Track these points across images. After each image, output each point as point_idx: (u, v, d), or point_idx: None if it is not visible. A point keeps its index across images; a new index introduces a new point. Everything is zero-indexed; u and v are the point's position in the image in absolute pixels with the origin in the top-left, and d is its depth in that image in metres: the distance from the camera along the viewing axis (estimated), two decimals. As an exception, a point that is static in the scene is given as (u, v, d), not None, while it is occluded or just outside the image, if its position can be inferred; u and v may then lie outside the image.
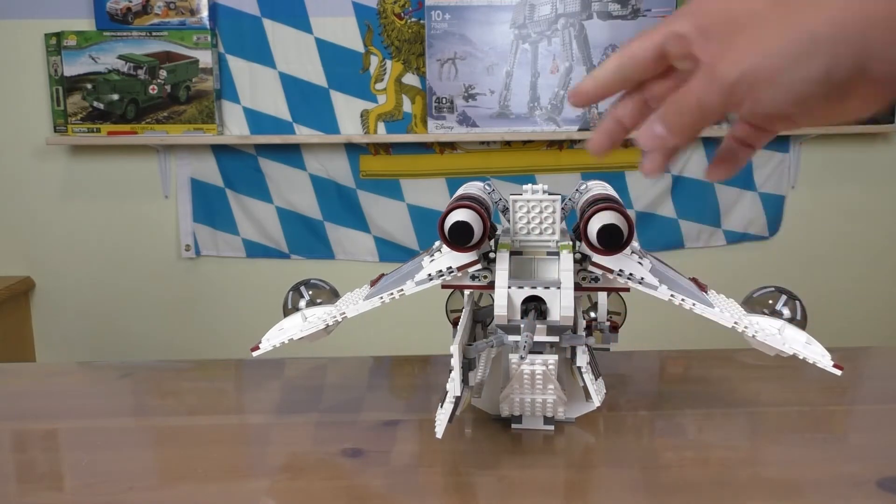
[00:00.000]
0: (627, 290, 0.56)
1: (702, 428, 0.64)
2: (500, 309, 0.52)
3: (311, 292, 0.65)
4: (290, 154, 1.99)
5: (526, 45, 1.90)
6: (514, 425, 0.60)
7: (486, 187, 0.59)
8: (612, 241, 0.50)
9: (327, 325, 0.59)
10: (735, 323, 0.55)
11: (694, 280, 0.62)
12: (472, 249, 0.53)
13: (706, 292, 0.60)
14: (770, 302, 0.61)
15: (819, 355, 0.54)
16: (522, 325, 0.51)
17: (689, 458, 0.56)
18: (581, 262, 0.56)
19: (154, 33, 1.87)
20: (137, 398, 0.72)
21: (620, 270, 0.54)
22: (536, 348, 0.54)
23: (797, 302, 0.61)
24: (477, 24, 1.88)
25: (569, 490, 0.53)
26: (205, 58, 1.88)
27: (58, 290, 2.07)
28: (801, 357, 0.54)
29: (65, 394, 0.72)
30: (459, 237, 0.51)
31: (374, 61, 1.94)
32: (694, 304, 0.55)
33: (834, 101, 0.33)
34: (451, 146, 1.99)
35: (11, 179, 2.00)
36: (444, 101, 1.91)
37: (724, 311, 0.56)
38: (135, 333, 2.08)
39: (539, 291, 0.52)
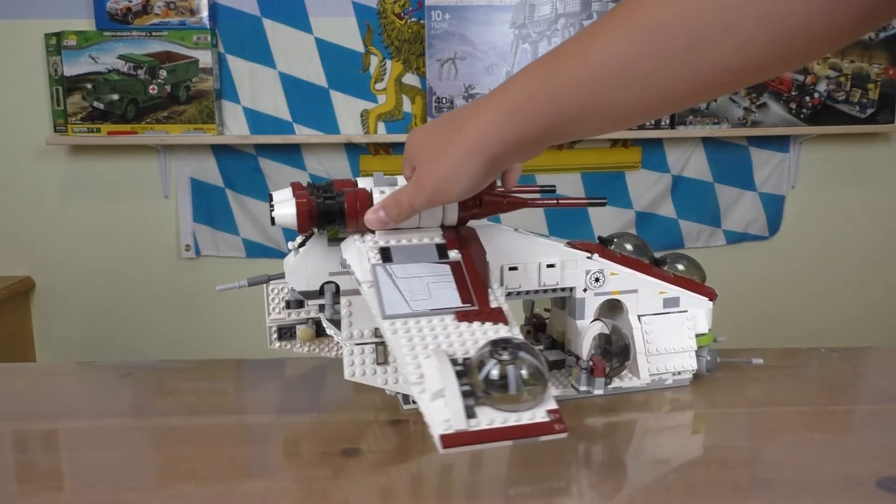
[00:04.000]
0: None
1: (702, 428, 0.64)
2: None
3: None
4: (290, 154, 1.98)
5: (526, 45, 1.90)
6: (405, 406, 0.64)
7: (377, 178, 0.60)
8: None
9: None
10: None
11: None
12: (303, 232, 0.59)
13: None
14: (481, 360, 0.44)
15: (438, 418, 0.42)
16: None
17: (689, 458, 0.56)
18: None
19: (154, 33, 1.87)
20: (137, 398, 0.72)
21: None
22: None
23: (505, 367, 0.43)
24: (477, 24, 1.88)
25: (570, 491, 0.53)
26: (205, 58, 1.88)
27: (58, 290, 2.07)
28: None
29: (65, 394, 0.72)
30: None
31: (374, 61, 1.94)
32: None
33: (490, 178, 0.52)
34: (451, 146, 1.99)
35: (11, 179, 2.00)
36: (444, 101, 1.91)
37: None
38: (135, 333, 2.08)
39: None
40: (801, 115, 1.94)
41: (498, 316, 0.50)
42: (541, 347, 0.74)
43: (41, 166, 1.99)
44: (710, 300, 0.70)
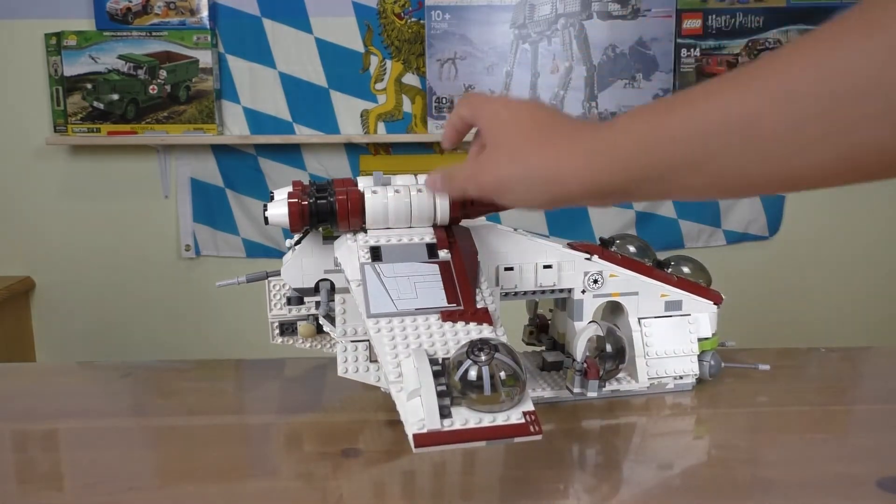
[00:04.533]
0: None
1: (702, 428, 0.64)
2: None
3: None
4: (290, 154, 1.98)
5: (526, 45, 1.90)
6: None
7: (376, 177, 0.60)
8: None
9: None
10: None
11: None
12: (296, 231, 0.59)
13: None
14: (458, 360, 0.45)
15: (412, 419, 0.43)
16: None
17: (689, 458, 0.56)
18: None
19: (154, 33, 1.87)
20: (137, 398, 0.72)
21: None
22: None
23: (481, 368, 0.43)
24: (477, 24, 1.88)
25: (571, 491, 0.53)
26: (205, 58, 1.88)
27: (58, 290, 2.07)
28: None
29: (65, 394, 0.72)
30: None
31: (374, 61, 1.94)
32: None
33: (548, 208, 0.48)
34: (451, 146, 1.99)
35: (11, 179, 2.00)
36: (444, 101, 1.91)
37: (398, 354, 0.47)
38: (135, 333, 2.08)
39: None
40: (801, 115, 1.94)
41: (483, 316, 0.50)
42: (542, 348, 0.74)
43: (41, 166, 1.99)
44: (716, 304, 0.69)
